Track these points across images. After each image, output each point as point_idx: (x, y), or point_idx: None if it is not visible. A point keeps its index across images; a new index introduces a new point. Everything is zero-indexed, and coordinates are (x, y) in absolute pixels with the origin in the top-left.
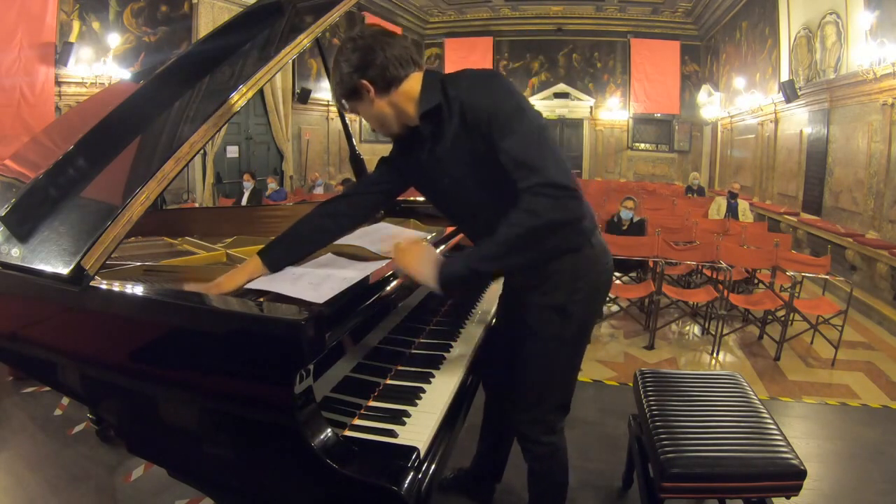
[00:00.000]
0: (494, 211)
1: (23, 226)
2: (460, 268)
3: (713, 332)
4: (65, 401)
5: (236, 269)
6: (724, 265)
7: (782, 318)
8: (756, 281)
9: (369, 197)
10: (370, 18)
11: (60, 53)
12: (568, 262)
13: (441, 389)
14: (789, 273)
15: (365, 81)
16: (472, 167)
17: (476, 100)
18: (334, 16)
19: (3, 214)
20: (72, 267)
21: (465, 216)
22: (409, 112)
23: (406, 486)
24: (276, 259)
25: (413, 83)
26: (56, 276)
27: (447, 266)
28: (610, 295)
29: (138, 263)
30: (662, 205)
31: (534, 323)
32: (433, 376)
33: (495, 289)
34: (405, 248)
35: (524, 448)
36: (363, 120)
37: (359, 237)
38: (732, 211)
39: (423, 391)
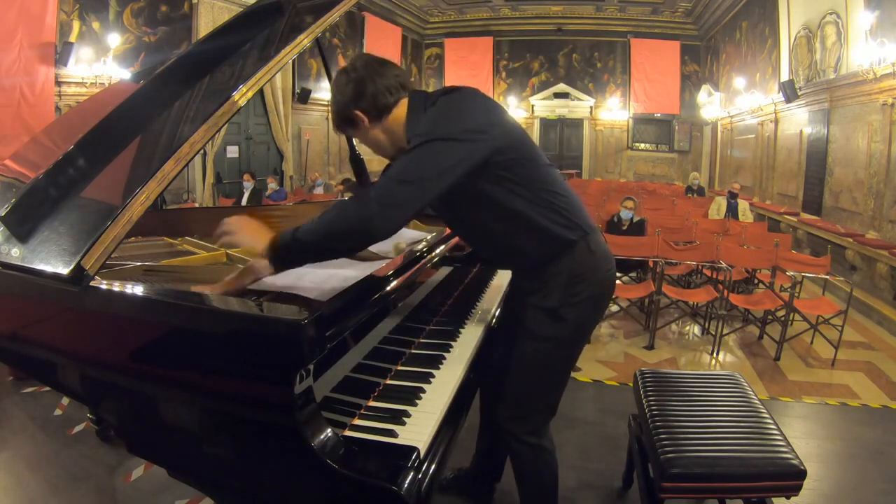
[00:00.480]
0: (465, 228)
1: (23, 226)
2: (286, 235)
3: (713, 332)
4: (65, 401)
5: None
6: (724, 265)
7: (782, 318)
8: (756, 281)
9: None
10: (370, 18)
11: (60, 53)
12: (565, 266)
13: (441, 389)
14: (789, 273)
15: (358, 112)
16: (448, 197)
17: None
18: (334, 16)
19: (3, 214)
20: (72, 267)
21: (454, 227)
22: (401, 135)
23: (406, 486)
24: None
25: (402, 108)
26: (56, 276)
27: (274, 244)
28: None
29: (138, 263)
30: (662, 205)
31: (530, 323)
32: (433, 376)
33: (495, 289)
34: (236, 221)
35: (508, 447)
36: None
37: None
38: (732, 211)
39: (424, 391)
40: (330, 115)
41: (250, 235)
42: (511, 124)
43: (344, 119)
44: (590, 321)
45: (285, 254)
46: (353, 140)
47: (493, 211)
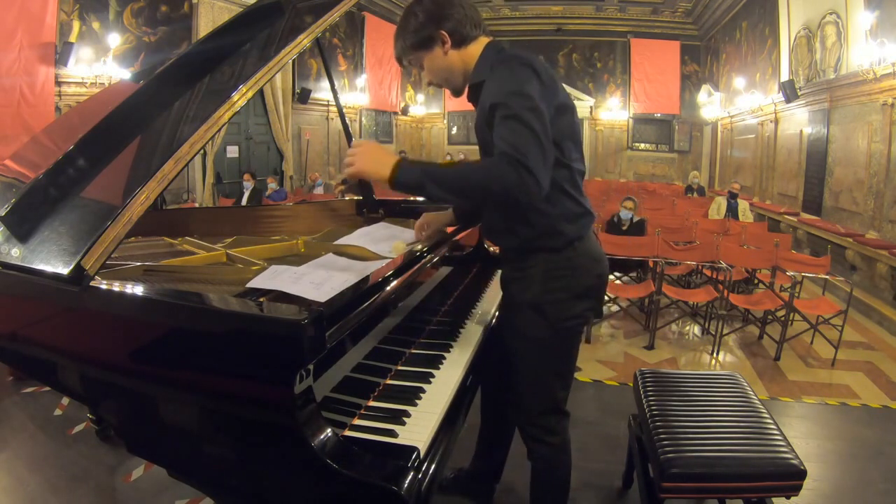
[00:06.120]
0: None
1: (23, 226)
2: (416, 179)
3: (713, 332)
4: (65, 401)
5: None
6: (724, 265)
7: (782, 318)
8: (756, 281)
9: None
10: (370, 18)
11: (60, 53)
12: (541, 260)
13: (441, 389)
14: (789, 273)
15: (444, 32)
16: (482, 149)
17: (490, 90)
18: (334, 16)
19: (3, 214)
20: (72, 267)
21: None
22: (469, 72)
23: (406, 486)
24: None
25: (478, 47)
26: (56, 276)
27: (405, 172)
28: (610, 295)
29: (138, 263)
30: (662, 205)
31: (518, 322)
32: (433, 376)
33: (495, 289)
34: (361, 145)
35: (528, 448)
36: (364, 119)
37: (359, 237)
38: (732, 211)
39: (423, 391)
40: (329, 113)
41: (371, 165)
42: (572, 112)
43: (421, 38)
44: (572, 321)
45: (409, 190)
46: (353, 140)
47: None
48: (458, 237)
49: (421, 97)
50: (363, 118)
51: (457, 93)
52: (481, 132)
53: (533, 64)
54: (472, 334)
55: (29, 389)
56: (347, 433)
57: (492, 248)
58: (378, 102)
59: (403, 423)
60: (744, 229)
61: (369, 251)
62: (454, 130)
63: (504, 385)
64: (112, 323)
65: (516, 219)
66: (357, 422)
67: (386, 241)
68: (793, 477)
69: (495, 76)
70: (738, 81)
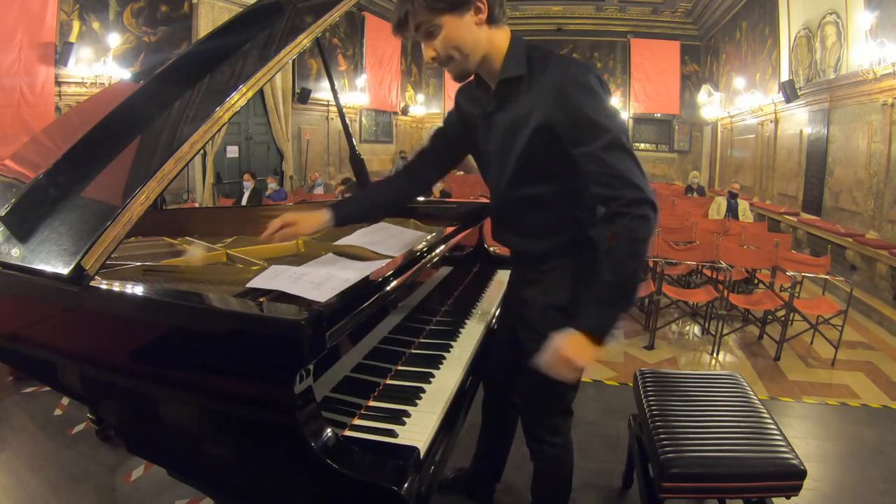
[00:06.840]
0: (511, 202)
1: (23, 226)
2: (614, 318)
3: (713, 332)
4: (65, 401)
5: (309, 215)
6: (724, 265)
7: (782, 318)
8: (756, 281)
9: (424, 168)
10: (370, 18)
11: (60, 53)
12: (566, 263)
13: (441, 389)
14: (789, 273)
15: None
16: (510, 154)
17: (561, 100)
18: (334, 16)
19: (3, 214)
20: (72, 267)
21: (490, 188)
22: (492, 63)
23: (406, 485)
24: (344, 214)
25: (503, 37)
26: (56, 276)
27: (597, 328)
28: None
29: (138, 263)
30: (662, 205)
31: (536, 323)
32: (433, 376)
33: (495, 289)
34: (557, 358)
35: (532, 449)
36: (364, 119)
37: (359, 237)
38: (732, 211)
39: (423, 391)
40: (329, 113)
41: (584, 354)
42: None
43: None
44: None
45: (612, 326)
46: (353, 140)
47: (558, 181)
48: (458, 237)
49: (421, 97)
50: (363, 118)
51: (463, 76)
52: (514, 136)
53: (596, 73)
54: (472, 334)
55: (29, 389)
56: (347, 433)
57: (492, 249)
58: (378, 102)
59: (403, 423)
60: (744, 229)
61: (369, 251)
62: None
63: (505, 385)
64: (112, 323)
65: (548, 226)
66: (357, 422)
67: (386, 241)
68: (793, 477)
69: (563, 88)
70: (738, 81)
